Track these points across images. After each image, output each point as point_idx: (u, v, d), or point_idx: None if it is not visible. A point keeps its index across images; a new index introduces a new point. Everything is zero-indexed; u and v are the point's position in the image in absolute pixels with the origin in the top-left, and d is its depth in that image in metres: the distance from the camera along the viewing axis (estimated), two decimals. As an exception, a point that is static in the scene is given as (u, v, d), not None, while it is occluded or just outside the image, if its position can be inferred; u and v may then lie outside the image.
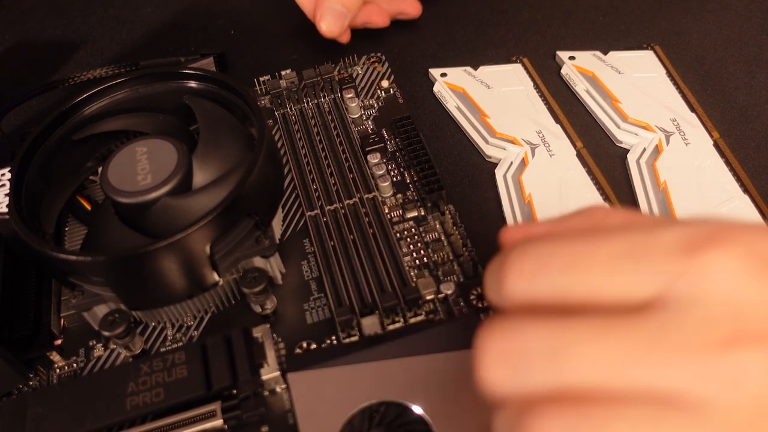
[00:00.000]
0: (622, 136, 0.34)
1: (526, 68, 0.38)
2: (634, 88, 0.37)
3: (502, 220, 0.32)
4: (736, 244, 0.16)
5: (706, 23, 0.40)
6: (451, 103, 0.37)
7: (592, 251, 0.17)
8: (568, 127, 0.35)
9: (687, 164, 0.33)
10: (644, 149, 0.34)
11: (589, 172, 0.33)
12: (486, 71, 0.39)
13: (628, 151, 0.34)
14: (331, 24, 0.37)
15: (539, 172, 0.33)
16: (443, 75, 0.39)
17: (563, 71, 0.38)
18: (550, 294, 0.18)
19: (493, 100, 0.37)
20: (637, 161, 0.33)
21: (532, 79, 0.38)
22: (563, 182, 0.33)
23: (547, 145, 0.34)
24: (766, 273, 0.16)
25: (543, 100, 0.37)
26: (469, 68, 0.39)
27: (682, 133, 0.34)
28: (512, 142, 0.35)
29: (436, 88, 0.38)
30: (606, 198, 0.32)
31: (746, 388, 0.15)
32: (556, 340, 0.16)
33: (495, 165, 0.34)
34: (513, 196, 0.33)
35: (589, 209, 0.20)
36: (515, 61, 0.39)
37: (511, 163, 0.34)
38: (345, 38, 0.39)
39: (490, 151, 0.35)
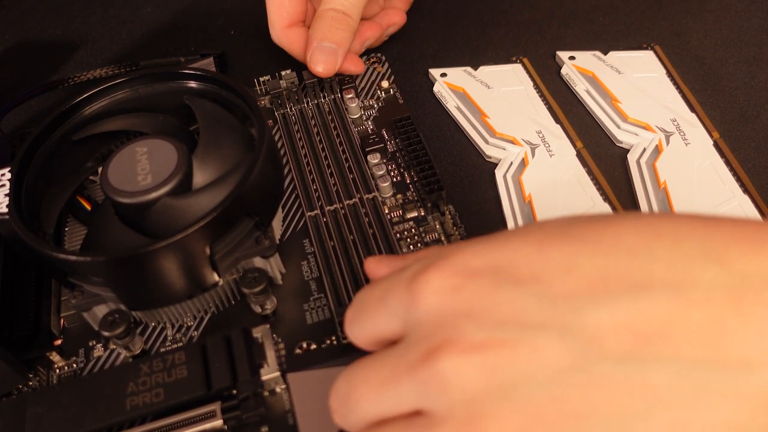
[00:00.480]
0: (622, 136, 0.34)
1: (526, 68, 0.38)
2: (634, 88, 0.37)
3: (502, 220, 0.32)
4: (439, 268, 0.20)
5: (706, 23, 0.40)
6: (451, 103, 0.37)
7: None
8: (568, 127, 0.35)
9: (687, 164, 0.33)
10: (644, 149, 0.34)
11: (589, 172, 0.33)
12: (486, 71, 0.39)
13: (628, 151, 0.34)
14: (326, 64, 0.36)
15: (539, 173, 0.33)
16: (443, 75, 0.39)
17: (563, 71, 0.38)
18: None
19: (493, 100, 0.37)
20: (638, 161, 0.33)
21: (532, 79, 0.38)
22: (563, 182, 0.33)
23: (547, 145, 0.34)
24: (464, 285, 0.19)
25: (543, 100, 0.37)
26: (469, 68, 0.39)
27: (682, 133, 0.34)
28: (512, 142, 0.35)
29: (436, 88, 0.38)
30: (606, 198, 0.32)
31: (451, 392, 0.18)
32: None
33: (495, 165, 0.34)
34: (513, 197, 0.33)
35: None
36: (515, 61, 0.39)
37: (511, 163, 0.34)
38: (356, 68, 0.38)
39: (490, 151, 0.35)
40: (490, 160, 0.35)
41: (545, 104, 0.37)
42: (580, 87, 0.37)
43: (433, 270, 0.20)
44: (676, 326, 0.16)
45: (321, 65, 0.36)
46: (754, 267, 0.16)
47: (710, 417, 0.16)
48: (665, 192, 0.32)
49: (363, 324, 0.23)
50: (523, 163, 0.34)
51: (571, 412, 0.17)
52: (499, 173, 0.34)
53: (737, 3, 0.41)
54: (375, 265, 0.26)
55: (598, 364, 0.17)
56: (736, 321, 0.16)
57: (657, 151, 0.34)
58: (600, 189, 0.32)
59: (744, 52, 0.38)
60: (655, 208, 0.31)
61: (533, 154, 0.34)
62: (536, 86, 0.37)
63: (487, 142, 0.35)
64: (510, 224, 0.32)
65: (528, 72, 0.38)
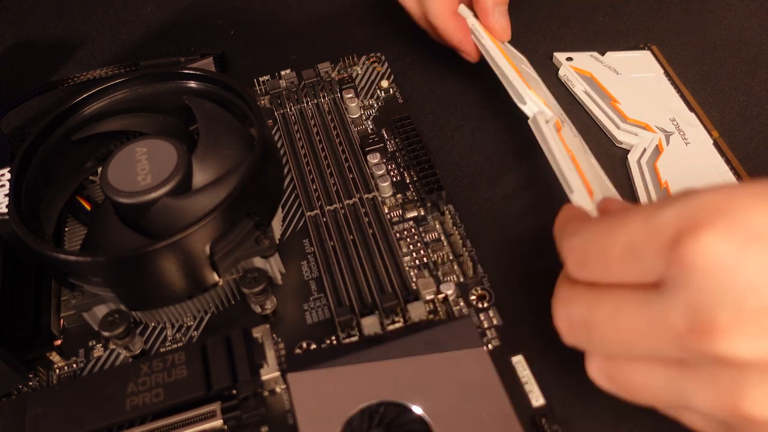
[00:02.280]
0: (622, 136, 0.34)
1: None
2: (632, 88, 0.37)
3: (504, 221, 0.32)
4: (715, 228, 0.18)
5: (705, 23, 0.40)
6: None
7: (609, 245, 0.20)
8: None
9: (688, 164, 0.33)
10: (644, 149, 0.34)
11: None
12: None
13: (628, 151, 0.34)
14: (507, 26, 0.36)
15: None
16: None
17: (561, 72, 0.38)
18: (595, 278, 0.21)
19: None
20: (638, 161, 0.33)
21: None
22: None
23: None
24: (749, 251, 0.17)
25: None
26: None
27: (681, 133, 0.34)
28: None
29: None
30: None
31: (746, 385, 0.18)
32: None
33: (495, 166, 0.34)
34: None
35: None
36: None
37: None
38: (474, 55, 0.37)
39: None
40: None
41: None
42: (579, 88, 0.37)
43: (706, 229, 0.18)
44: None
45: (506, 32, 0.36)
46: None
47: None
48: (667, 192, 0.32)
49: (597, 272, 0.21)
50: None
51: None
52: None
53: (736, 3, 0.41)
54: (608, 204, 0.25)
55: None
56: None
57: (657, 151, 0.34)
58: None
59: (743, 52, 0.38)
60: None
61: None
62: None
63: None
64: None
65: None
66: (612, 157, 0.34)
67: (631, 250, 0.19)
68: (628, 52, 0.39)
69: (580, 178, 0.28)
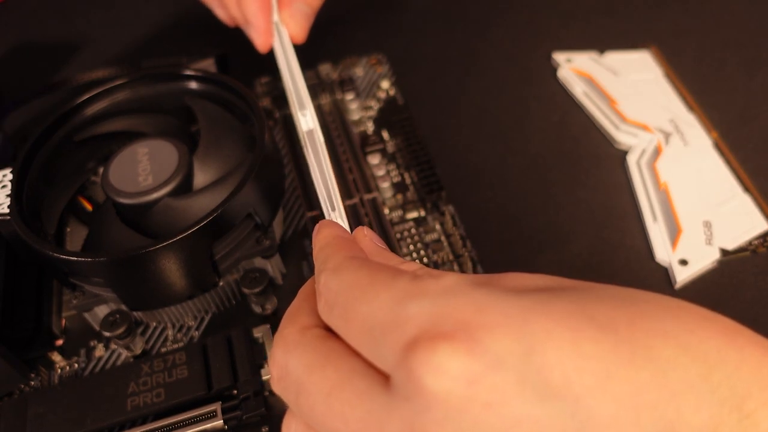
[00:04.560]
0: (621, 137, 0.35)
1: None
2: (631, 89, 0.37)
3: (504, 222, 0.32)
4: (453, 343, 0.16)
5: (705, 24, 0.40)
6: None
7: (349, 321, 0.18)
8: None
9: (687, 164, 0.33)
10: (643, 150, 0.34)
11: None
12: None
13: (627, 152, 0.34)
14: (303, 24, 0.34)
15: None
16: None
17: (560, 74, 0.38)
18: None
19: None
20: (637, 162, 0.33)
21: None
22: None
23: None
24: (484, 378, 0.15)
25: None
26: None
27: (680, 134, 0.34)
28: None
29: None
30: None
31: None
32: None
33: (495, 166, 0.35)
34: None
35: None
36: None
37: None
38: (262, 42, 0.35)
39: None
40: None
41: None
42: (578, 89, 0.37)
43: (444, 344, 0.16)
44: None
45: (298, 27, 0.34)
46: (766, 424, 0.16)
47: None
48: (666, 193, 0.32)
49: (339, 327, 0.18)
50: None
51: None
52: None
53: (736, 4, 0.41)
54: (362, 238, 0.22)
55: None
56: None
57: (656, 152, 0.34)
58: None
59: (743, 53, 0.38)
60: (657, 208, 0.31)
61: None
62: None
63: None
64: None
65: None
66: (611, 158, 0.34)
67: (371, 328, 0.17)
68: (627, 53, 0.39)
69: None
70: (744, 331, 0.17)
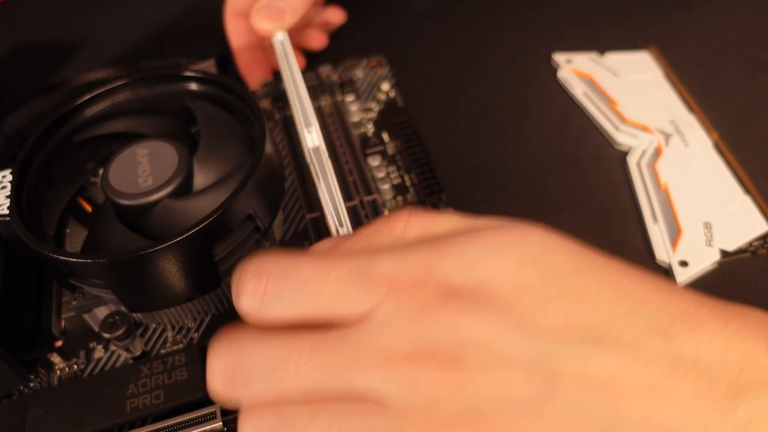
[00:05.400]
0: (621, 138, 0.35)
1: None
2: (631, 90, 0.37)
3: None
4: (411, 276, 0.19)
5: (705, 25, 0.40)
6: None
7: (321, 276, 0.20)
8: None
9: (687, 166, 0.33)
10: (644, 151, 0.34)
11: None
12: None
13: (627, 153, 0.34)
14: (270, 20, 0.33)
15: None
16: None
17: (560, 74, 0.38)
18: (282, 313, 0.20)
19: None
20: (638, 163, 0.33)
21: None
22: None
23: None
24: (444, 306, 0.19)
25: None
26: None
27: (680, 135, 0.34)
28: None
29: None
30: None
31: (416, 393, 0.18)
32: (274, 358, 0.19)
33: (495, 168, 0.35)
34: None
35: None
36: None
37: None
38: (318, 43, 0.37)
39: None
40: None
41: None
42: (578, 90, 0.37)
43: (407, 281, 0.19)
44: (619, 384, 0.18)
45: (265, 22, 0.33)
46: (689, 346, 0.18)
47: None
48: (666, 194, 0.32)
49: (289, 298, 0.20)
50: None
51: None
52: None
53: (736, 5, 0.41)
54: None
55: (551, 401, 0.18)
56: (664, 391, 0.18)
57: (656, 153, 0.34)
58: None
59: (743, 54, 0.38)
60: (657, 209, 0.31)
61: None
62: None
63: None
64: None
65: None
66: (611, 159, 0.34)
67: (349, 280, 0.20)
68: (627, 53, 0.39)
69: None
70: (675, 288, 0.20)
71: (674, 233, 0.30)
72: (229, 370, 0.20)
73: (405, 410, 0.18)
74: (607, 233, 0.31)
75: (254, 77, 0.38)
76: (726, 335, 0.19)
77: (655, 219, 0.31)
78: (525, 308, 0.19)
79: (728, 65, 0.38)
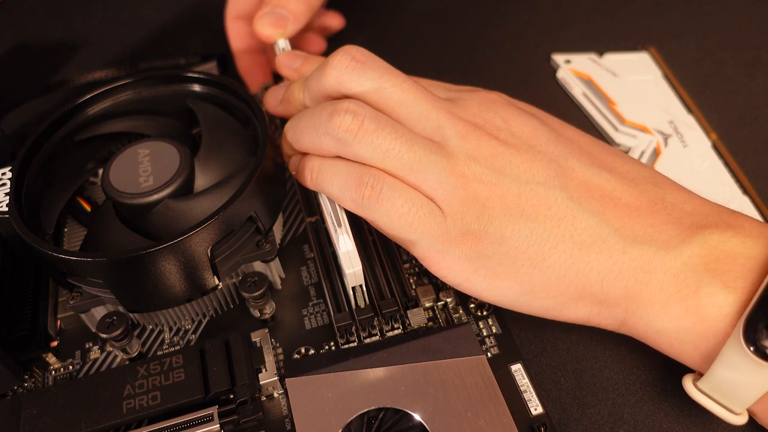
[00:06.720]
0: (620, 138, 0.34)
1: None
2: (630, 90, 0.37)
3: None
4: (462, 119, 0.27)
5: (704, 26, 0.40)
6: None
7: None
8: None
9: (686, 166, 0.33)
10: (642, 152, 0.34)
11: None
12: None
13: (626, 153, 0.34)
14: (274, 27, 0.34)
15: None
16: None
17: (559, 75, 0.38)
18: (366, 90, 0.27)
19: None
20: None
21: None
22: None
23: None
24: (500, 109, 0.27)
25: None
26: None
27: (679, 135, 0.34)
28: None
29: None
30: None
31: (465, 143, 0.26)
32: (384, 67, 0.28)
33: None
34: None
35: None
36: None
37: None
38: (318, 47, 0.38)
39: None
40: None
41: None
42: (577, 90, 0.37)
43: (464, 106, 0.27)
44: (612, 197, 0.25)
45: (268, 28, 0.34)
46: (671, 196, 0.25)
47: (589, 259, 0.24)
48: None
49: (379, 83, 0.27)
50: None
51: (522, 207, 0.25)
52: None
53: (735, 5, 0.41)
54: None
55: (557, 191, 0.25)
56: (643, 213, 0.25)
57: (655, 153, 0.34)
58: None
59: (742, 55, 0.38)
60: None
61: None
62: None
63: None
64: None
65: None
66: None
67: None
68: (626, 54, 0.39)
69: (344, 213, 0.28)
70: None
71: None
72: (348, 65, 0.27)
73: (453, 153, 0.25)
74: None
75: (254, 80, 0.38)
76: (700, 199, 0.26)
77: None
78: (555, 126, 0.28)
79: (727, 66, 0.38)
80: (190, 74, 0.32)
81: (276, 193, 0.30)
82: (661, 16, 0.41)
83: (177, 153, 0.28)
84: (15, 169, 0.29)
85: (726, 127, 0.35)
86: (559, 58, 0.39)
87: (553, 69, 0.39)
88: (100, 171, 0.33)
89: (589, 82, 0.37)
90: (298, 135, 0.28)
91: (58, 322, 0.30)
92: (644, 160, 0.33)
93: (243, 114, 0.31)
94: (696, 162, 0.33)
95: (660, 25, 0.41)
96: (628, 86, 0.37)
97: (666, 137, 0.34)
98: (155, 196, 0.27)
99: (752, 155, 0.33)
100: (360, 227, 0.31)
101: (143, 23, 0.47)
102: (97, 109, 0.32)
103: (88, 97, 0.32)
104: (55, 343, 0.29)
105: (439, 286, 0.29)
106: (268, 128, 0.29)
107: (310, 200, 0.33)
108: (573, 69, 0.38)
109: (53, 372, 0.29)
